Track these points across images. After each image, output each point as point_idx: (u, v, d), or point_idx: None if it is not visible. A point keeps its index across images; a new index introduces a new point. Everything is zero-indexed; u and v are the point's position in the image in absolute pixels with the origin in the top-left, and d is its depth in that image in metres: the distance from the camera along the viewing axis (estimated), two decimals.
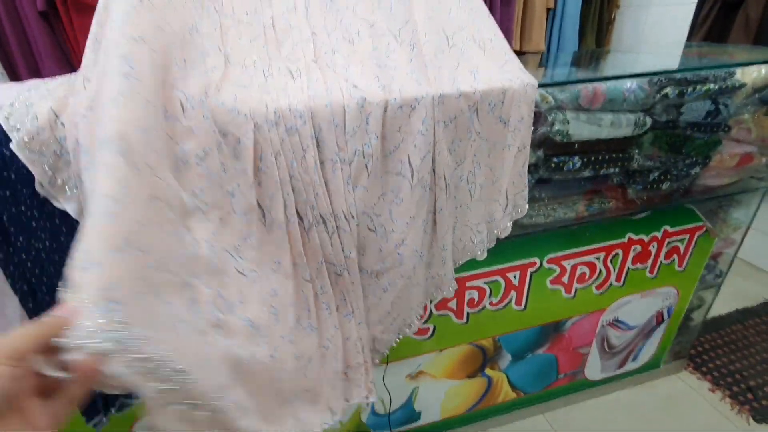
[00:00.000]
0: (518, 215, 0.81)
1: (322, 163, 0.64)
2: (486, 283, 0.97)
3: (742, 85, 0.89)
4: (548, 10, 1.68)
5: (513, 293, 1.01)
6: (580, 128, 0.83)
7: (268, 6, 0.77)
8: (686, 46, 1.41)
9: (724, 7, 1.65)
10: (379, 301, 0.74)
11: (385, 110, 0.64)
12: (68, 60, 1.39)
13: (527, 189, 0.79)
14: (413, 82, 0.66)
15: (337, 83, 0.65)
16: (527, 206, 0.81)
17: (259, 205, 0.62)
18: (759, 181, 1.07)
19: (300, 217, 0.64)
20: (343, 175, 0.65)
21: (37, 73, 1.37)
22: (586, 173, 0.89)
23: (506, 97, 0.69)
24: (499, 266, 0.96)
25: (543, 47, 1.73)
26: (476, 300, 0.98)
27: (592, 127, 0.83)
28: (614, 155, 0.89)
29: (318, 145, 0.63)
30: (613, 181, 0.95)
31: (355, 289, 0.70)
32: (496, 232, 0.79)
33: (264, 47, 0.72)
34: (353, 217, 0.68)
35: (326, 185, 0.64)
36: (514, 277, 0.98)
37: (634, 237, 1.03)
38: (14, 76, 1.37)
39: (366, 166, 0.66)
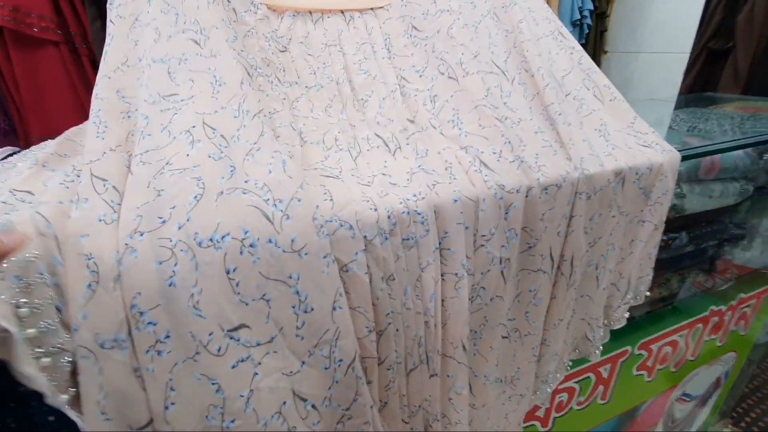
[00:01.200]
0: (636, 302, 0.67)
1: (442, 279, 0.45)
2: (577, 382, 0.80)
3: None
4: None
5: (601, 388, 0.86)
6: (694, 201, 0.71)
7: (338, 55, 0.58)
8: (720, 99, 1.40)
9: (710, 56, 1.71)
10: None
11: (527, 196, 0.47)
12: (4, 109, 1.08)
13: (652, 274, 0.65)
14: (549, 151, 0.50)
15: (456, 157, 0.47)
16: (647, 293, 0.67)
17: None
18: None
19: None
20: (468, 291, 0.46)
21: None
22: (689, 248, 0.77)
23: (653, 167, 0.55)
24: (592, 361, 0.80)
25: None
26: (565, 402, 0.82)
27: (704, 199, 0.72)
28: (713, 227, 0.79)
29: (440, 256, 0.45)
30: (708, 253, 0.84)
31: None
32: (606, 322, 0.64)
33: (342, 113, 0.53)
34: (474, 344, 0.50)
35: (443, 309, 0.45)
36: (605, 370, 0.83)
37: (715, 309, 0.93)
38: None
39: (502, 273, 0.48)
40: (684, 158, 0.57)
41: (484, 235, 0.46)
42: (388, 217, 0.40)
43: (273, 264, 0.34)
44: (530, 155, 0.48)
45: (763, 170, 0.79)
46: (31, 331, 0.29)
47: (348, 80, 0.55)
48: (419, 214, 0.42)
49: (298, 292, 0.35)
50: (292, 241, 0.34)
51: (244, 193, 0.34)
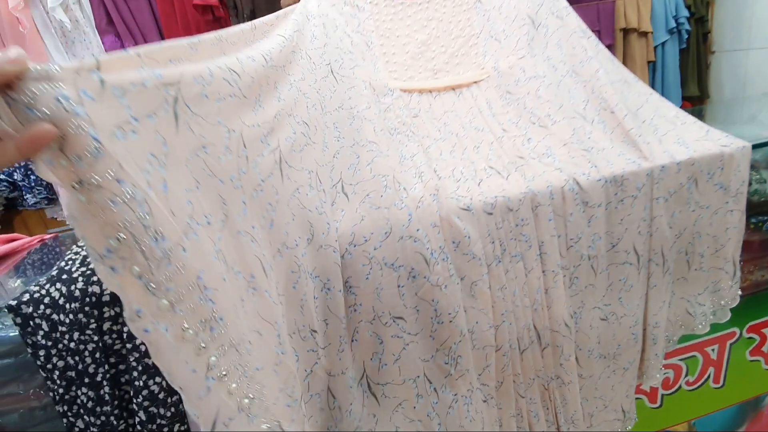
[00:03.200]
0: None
1: (543, 274, 0.62)
2: (682, 360, 0.88)
3: None
4: (649, 62, 1.69)
5: (711, 369, 0.91)
6: None
7: (455, 117, 0.81)
8: None
9: None
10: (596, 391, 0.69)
11: (606, 207, 0.63)
12: None
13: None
14: (633, 166, 0.64)
15: (554, 176, 0.63)
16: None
17: None
18: None
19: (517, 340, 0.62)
20: (565, 282, 0.63)
21: None
22: None
23: (725, 163, 0.66)
24: (697, 340, 0.87)
25: None
26: (671, 380, 0.89)
27: None
28: None
29: (540, 260, 0.62)
30: None
31: (570, 390, 0.65)
32: (723, 302, 0.73)
33: (464, 154, 0.74)
34: (575, 322, 0.65)
35: (546, 296, 0.62)
36: (713, 351, 0.89)
37: None
38: None
39: (592, 267, 0.64)
40: (755, 146, 0.67)
41: (572, 239, 0.62)
42: (501, 245, 0.59)
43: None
44: (617, 172, 0.62)
45: None
46: None
47: (464, 135, 0.77)
48: (524, 235, 0.60)
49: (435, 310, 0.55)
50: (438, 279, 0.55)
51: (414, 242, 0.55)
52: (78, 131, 0.25)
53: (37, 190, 1.58)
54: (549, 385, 0.65)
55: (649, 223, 0.65)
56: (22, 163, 1.38)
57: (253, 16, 1.40)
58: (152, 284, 0.27)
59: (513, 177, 0.65)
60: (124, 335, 0.53)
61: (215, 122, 0.37)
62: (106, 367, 0.53)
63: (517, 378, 0.63)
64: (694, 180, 0.66)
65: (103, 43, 1.49)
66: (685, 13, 1.64)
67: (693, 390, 0.92)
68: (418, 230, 0.55)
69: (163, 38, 1.40)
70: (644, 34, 1.63)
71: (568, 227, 0.61)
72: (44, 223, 1.73)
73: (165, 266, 0.28)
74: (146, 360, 0.52)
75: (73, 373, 0.53)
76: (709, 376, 0.91)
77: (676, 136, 0.69)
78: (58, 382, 0.53)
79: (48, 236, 0.91)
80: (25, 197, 1.59)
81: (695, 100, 1.86)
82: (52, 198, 1.63)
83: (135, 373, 0.52)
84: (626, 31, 1.64)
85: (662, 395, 0.90)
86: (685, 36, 1.69)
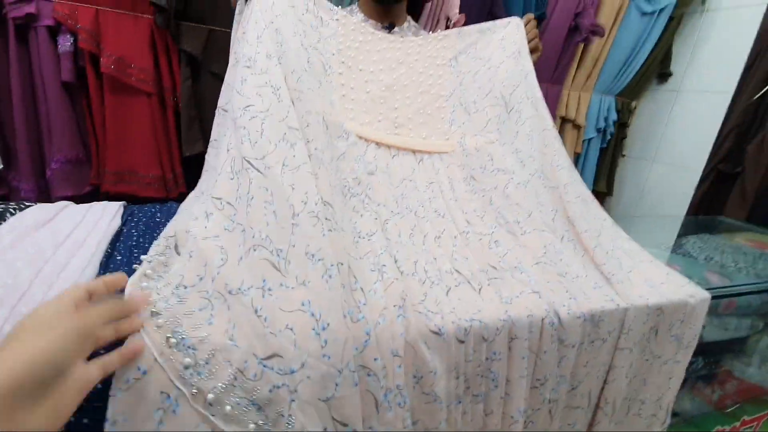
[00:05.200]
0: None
1: (502, 418, 0.53)
2: None
3: None
4: (576, 153, 1.79)
5: None
6: (712, 333, 0.79)
7: (414, 190, 0.71)
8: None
9: (719, 176, 1.85)
10: None
11: (579, 347, 0.55)
12: (83, 141, 1.18)
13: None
14: (611, 305, 0.58)
15: (534, 303, 0.55)
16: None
17: None
18: None
19: None
20: (521, 426, 0.54)
21: (39, 151, 1.14)
22: (703, 372, 0.84)
23: (687, 314, 0.64)
24: None
25: None
26: None
27: (720, 331, 0.80)
28: (726, 354, 0.86)
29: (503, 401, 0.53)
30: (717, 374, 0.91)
31: None
32: None
33: (424, 243, 0.62)
34: None
35: None
36: None
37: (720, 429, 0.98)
38: (7, 153, 1.12)
39: (550, 413, 0.56)
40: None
41: (539, 379, 0.53)
42: (465, 382, 0.48)
43: None
44: (595, 309, 0.56)
45: None
46: None
47: (423, 216, 0.66)
48: (492, 372, 0.50)
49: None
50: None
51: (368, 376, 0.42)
52: None
53: None
54: None
55: (607, 371, 0.59)
56: None
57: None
58: None
59: (486, 292, 0.54)
60: None
61: None
62: None
63: None
64: (655, 330, 0.62)
65: None
66: (615, 117, 1.78)
67: None
68: (375, 359, 0.40)
69: None
70: (578, 126, 1.73)
71: (538, 366, 0.53)
72: None
73: None
74: None
75: None
76: None
77: (642, 277, 0.65)
78: None
79: None
80: None
81: (601, 195, 2.04)
82: None
83: None
84: (564, 120, 1.72)
85: None
86: (609, 137, 1.84)
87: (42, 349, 0.30)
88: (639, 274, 0.67)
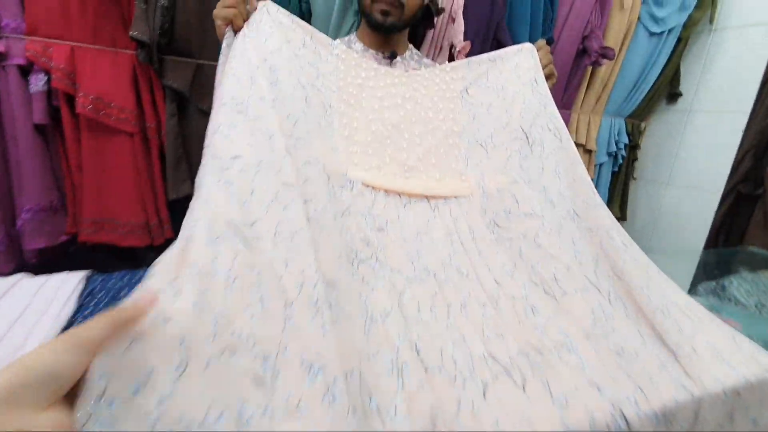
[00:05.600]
0: None
1: None
2: None
3: None
4: None
5: None
6: None
7: (431, 245, 0.60)
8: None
9: (739, 197, 1.76)
10: None
11: None
12: (58, 186, 1.08)
13: None
14: (674, 387, 0.47)
15: (595, 404, 0.43)
16: None
17: None
18: None
19: None
20: None
21: (9, 199, 1.03)
22: None
23: (765, 394, 0.52)
24: None
25: None
26: None
27: None
28: None
29: None
30: None
31: None
32: None
33: (449, 317, 0.51)
34: None
35: None
36: None
37: None
38: None
39: None
40: None
41: None
42: None
43: None
44: (667, 402, 0.45)
45: None
46: None
47: (445, 278, 0.55)
48: None
49: None
50: None
51: None
52: None
53: None
54: None
55: None
56: None
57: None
58: None
59: (532, 388, 0.43)
60: None
61: None
62: None
63: None
64: (730, 415, 0.50)
65: None
66: (626, 140, 1.70)
67: None
68: None
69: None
70: (588, 151, 1.65)
71: None
72: None
73: None
74: None
75: None
76: None
77: (709, 346, 0.54)
78: None
79: None
80: None
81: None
82: None
83: None
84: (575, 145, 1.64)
85: None
86: (620, 161, 1.76)
87: None
88: (703, 341, 0.55)
